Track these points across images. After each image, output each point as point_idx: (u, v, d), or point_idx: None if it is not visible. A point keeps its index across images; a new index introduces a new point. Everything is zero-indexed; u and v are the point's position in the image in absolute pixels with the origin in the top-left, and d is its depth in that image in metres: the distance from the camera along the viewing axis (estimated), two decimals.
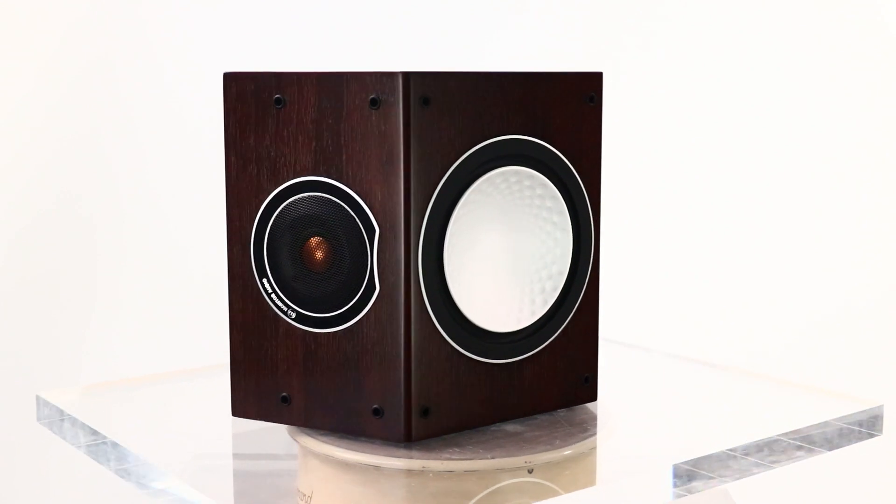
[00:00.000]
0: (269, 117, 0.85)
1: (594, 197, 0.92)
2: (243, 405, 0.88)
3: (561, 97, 0.89)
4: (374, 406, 0.84)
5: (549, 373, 0.91)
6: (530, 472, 0.85)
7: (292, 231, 0.85)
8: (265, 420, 0.88)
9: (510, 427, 0.90)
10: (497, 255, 0.88)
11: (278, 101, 0.85)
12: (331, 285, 0.84)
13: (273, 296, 0.87)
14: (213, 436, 0.89)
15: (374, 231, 0.83)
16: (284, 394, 0.87)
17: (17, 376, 1.31)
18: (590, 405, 0.95)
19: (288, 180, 0.85)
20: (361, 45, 1.42)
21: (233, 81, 0.86)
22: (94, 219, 1.34)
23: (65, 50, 1.29)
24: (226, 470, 0.85)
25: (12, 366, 1.31)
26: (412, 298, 0.83)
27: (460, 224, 0.85)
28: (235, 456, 0.88)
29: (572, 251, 0.91)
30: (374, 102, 0.82)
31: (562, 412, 0.93)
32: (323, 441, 0.85)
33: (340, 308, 0.84)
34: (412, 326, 0.83)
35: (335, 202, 0.84)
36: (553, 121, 0.89)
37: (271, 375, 0.87)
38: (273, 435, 0.89)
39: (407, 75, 0.81)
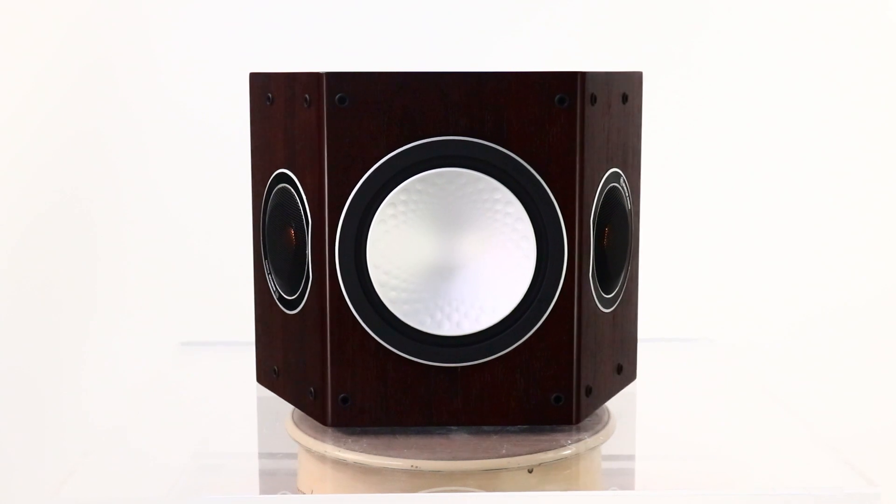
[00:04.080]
0: (265, 113, 0.93)
1: (567, 204, 0.86)
2: (261, 374, 0.97)
3: (519, 98, 0.85)
4: (311, 388, 0.89)
5: (503, 386, 0.87)
6: (530, 471, 0.84)
7: (273, 218, 0.93)
8: (268, 389, 0.96)
9: (464, 433, 0.88)
10: (440, 258, 0.87)
11: (268, 98, 0.92)
12: (291, 270, 0.90)
13: (270, 276, 0.94)
14: (213, 432, 0.98)
15: (309, 222, 0.87)
16: (275, 367, 0.95)
17: (15, 377, 1.43)
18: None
19: (275, 170, 0.92)
20: (376, 47, 1.38)
21: (252, 80, 0.95)
22: (95, 219, 1.44)
23: (64, 51, 1.39)
24: (225, 469, 0.93)
25: (11, 366, 1.43)
26: (331, 291, 0.86)
27: (390, 223, 0.86)
28: (235, 455, 0.96)
29: (536, 261, 0.86)
30: (306, 101, 0.86)
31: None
32: (322, 441, 0.90)
33: (295, 293, 0.90)
34: (331, 317, 0.86)
35: (291, 193, 0.89)
36: (509, 123, 0.85)
37: (271, 349, 0.95)
38: (274, 433, 0.96)
39: (326, 75, 0.84)
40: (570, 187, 0.86)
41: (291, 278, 0.91)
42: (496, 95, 0.85)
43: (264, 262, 0.95)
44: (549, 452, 0.85)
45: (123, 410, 0.96)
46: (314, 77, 0.85)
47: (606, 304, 0.92)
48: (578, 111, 0.86)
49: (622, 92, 0.92)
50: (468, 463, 0.83)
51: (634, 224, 0.96)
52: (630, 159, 0.95)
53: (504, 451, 0.85)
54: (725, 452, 0.89)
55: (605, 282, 0.92)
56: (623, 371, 0.95)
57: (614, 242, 0.93)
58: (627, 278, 0.95)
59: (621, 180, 0.93)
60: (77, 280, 1.42)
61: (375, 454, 0.85)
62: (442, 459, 0.84)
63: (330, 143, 0.85)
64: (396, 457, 0.84)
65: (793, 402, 0.99)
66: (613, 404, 0.96)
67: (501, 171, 0.86)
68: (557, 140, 0.86)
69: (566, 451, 0.85)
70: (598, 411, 0.94)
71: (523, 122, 0.86)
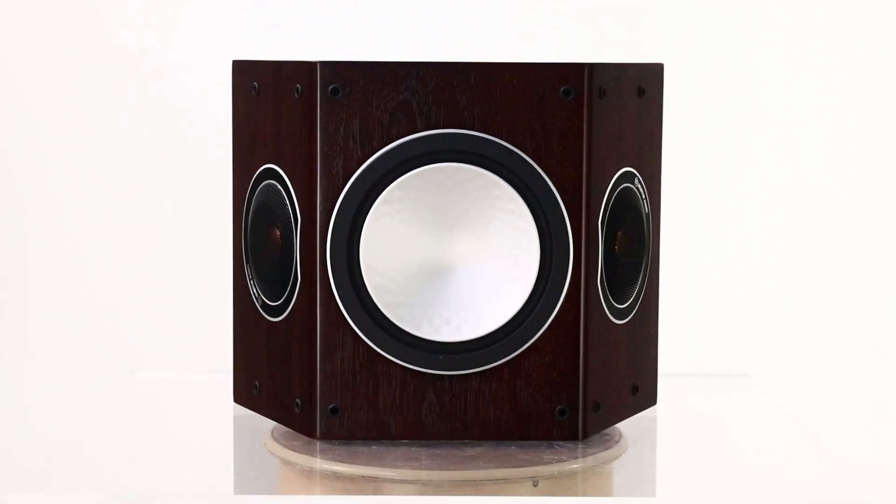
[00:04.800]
0: (250, 105, 1.14)
1: (573, 201, 1.03)
2: (239, 392, 1.18)
3: (521, 91, 1.02)
4: (297, 399, 1.10)
5: (504, 396, 1.06)
6: (535, 485, 1.02)
7: (257, 217, 1.13)
8: (248, 408, 1.17)
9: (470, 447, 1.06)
10: (438, 258, 1.05)
11: (254, 88, 1.13)
12: (276, 273, 1.11)
13: (251, 281, 1.15)
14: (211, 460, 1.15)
15: (297, 220, 1.08)
16: (256, 382, 1.15)
17: None
18: None
19: (260, 166, 1.13)
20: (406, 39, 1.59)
21: (235, 69, 1.16)
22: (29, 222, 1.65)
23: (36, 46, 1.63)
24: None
25: None
26: (322, 294, 1.04)
27: (385, 221, 1.04)
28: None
29: (539, 262, 1.06)
30: (297, 91, 1.07)
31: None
32: (302, 453, 1.06)
33: (280, 298, 1.11)
34: (321, 322, 1.04)
35: (278, 189, 1.10)
36: (511, 116, 1.03)
37: (251, 362, 1.16)
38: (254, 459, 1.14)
39: (320, 65, 1.05)
40: (575, 184, 1.04)
41: (276, 282, 1.10)
42: (497, 87, 1.01)
43: (245, 267, 1.16)
44: (550, 466, 1.02)
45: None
46: (306, 66, 1.07)
47: (619, 314, 1.12)
48: (585, 104, 1.05)
49: (637, 85, 1.12)
50: (447, 473, 1.00)
51: (653, 228, 1.13)
52: (647, 158, 1.10)
53: (494, 464, 1.02)
54: (735, 488, 1.08)
55: (617, 290, 1.10)
56: (639, 392, 1.15)
57: (628, 247, 1.12)
58: (644, 288, 1.16)
59: (636, 181, 1.13)
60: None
61: (365, 465, 1.05)
62: (440, 469, 1.04)
63: (322, 137, 1.04)
64: (388, 468, 1.05)
65: (828, 442, 1.17)
66: (634, 431, 1.16)
67: (502, 167, 1.02)
68: (562, 134, 1.03)
69: (571, 466, 1.02)
70: (610, 433, 1.15)
71: (526, 115, 1.01)
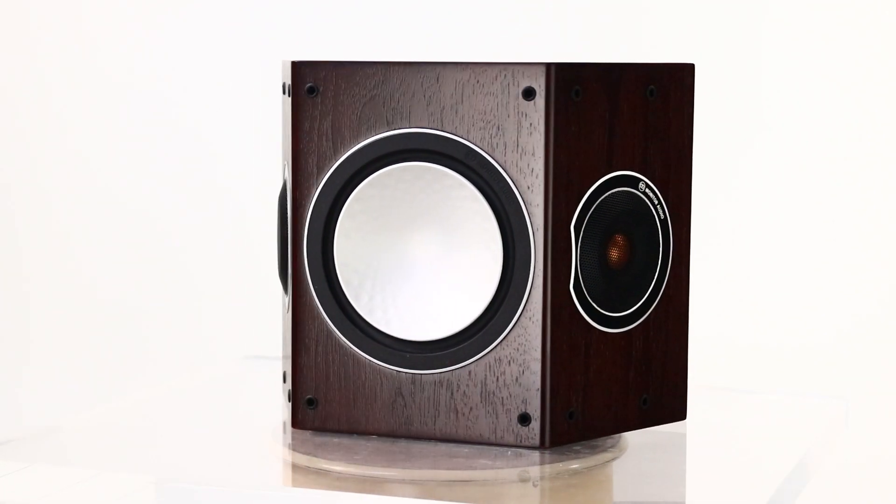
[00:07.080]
0: (284, 103, 1.18)
1: (537, 204, 1.01)
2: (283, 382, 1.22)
3: (486, 90, 1.02)
4: (288, 390, 1.13)
5: (467, 399, 1.05)
6: (535, 485, 1.03)
7: (280, 213, 1.18)
8: (286, 397, 1.21)
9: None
10: (408, 257, 1.07)
11: (284, 88, 1.18)
12: (283, 267, 1.15)
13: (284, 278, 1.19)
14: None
15: (289, 216, 1.12)
16: (285, 371, 1.20)
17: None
18: None
19: (282, 163, 1.17)
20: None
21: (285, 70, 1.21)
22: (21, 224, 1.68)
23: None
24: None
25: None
26: (300, 288, 1.09)
27: (359, 218, 1.07)
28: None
29: (502, 266, 1.05)
30: (284, 90, 1.11)
31: None
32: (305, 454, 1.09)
33: (286, 291, 1.15)
34: (300, 316, 1.09)
35: (285, 186, 1.14)
36: (476, 116, 1.02)
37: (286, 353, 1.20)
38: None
39: (296, 64, 1.08)
40: (540, 185, 1.02)
41: (283, 276, 1.15)
42: (463, 87, 1.00)
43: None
44: (485, 472, 1.01)
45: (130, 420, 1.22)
46: (288, 66, 1.09)
47: (613, 323, 1.07)
48: (552, 104, 1.01)
49: (646, 86, 1.08)
50: (406, 472, 1.02)
51: (673, 236, 1.11)
52: (662, 162, 1.06)
53: (443, 465, 1.02)
54: None
55: (610, 298, 1.06)
56: (650, 404, 1.11)
57: (629, 254, 1.08)
58: (658, 298, 1.11)
59: (640, 185, 1.09)
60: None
61: (323, 459, 1.07)
62: (392, 468, 1.04)
63: (301, 135, 1.06)
64: (339, 462, 1.06)
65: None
66: (638, 444, 1.11)
67: (465, 166, 1.01)
68: (526, 135, 1.03)
69: (503, 473, 1.01)
70: (599, 443, 1.10)
71: (491, 115, 1.00)
